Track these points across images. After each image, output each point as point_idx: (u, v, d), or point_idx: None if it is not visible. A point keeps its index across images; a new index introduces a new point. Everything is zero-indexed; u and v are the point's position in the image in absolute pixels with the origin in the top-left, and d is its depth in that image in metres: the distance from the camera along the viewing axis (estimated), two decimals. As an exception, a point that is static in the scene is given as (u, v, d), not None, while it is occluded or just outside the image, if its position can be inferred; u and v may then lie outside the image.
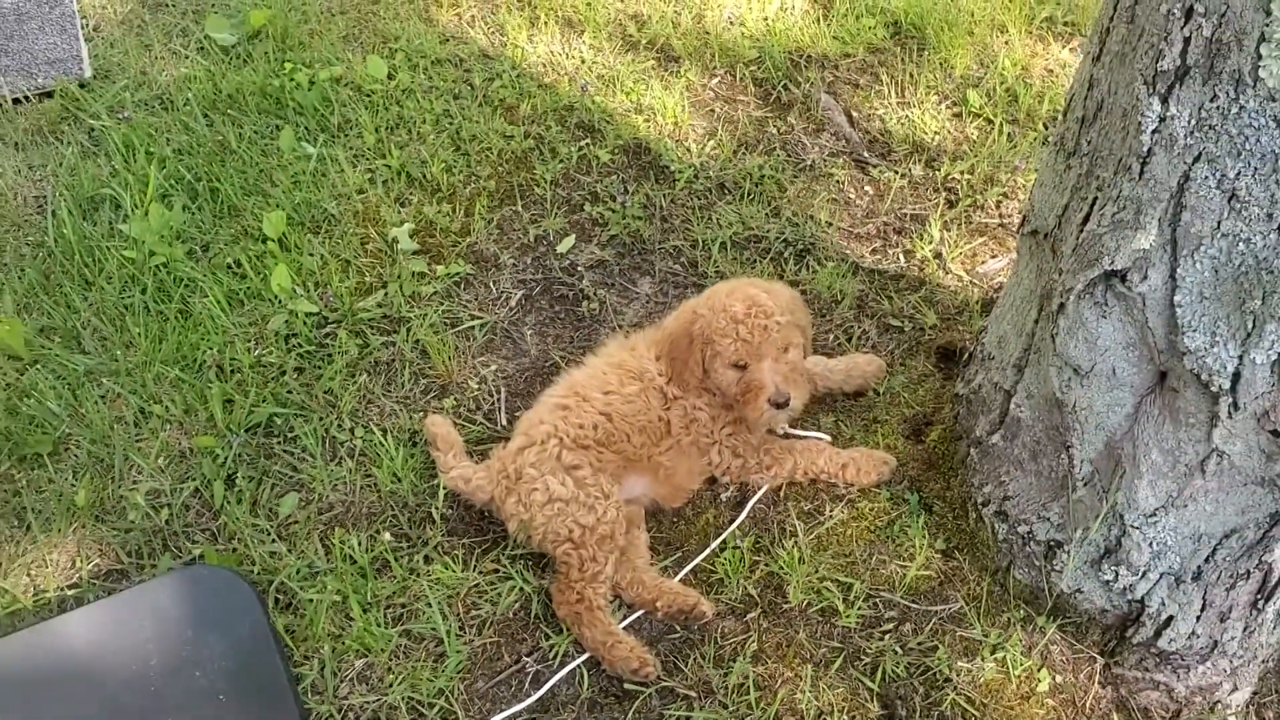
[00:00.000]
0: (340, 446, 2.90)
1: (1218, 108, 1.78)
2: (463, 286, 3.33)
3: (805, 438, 2.86)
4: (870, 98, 4.02)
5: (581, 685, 2.45)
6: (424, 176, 3.60)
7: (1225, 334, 1.93)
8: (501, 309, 3.27)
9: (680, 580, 2.61)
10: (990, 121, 3.86)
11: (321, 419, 2.95)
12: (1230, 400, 1.98)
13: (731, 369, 2.63)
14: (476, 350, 3.16)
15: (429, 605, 2.54)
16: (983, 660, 2.43)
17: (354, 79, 3.94)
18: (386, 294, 3.25)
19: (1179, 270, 1.94)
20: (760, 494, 2.77)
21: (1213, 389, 1.98)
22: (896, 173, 3.69)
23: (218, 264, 3.32)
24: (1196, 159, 1.84)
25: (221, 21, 4.16)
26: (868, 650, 2.47)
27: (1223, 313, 1.92)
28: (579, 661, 2.48)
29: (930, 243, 3.45)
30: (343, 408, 2.97)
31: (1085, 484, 2.32)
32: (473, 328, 3.21)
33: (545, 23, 4.25)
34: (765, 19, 4.29)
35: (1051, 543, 2.41)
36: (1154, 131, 1.88)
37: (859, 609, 2.52)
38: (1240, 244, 1.85)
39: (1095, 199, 2.07)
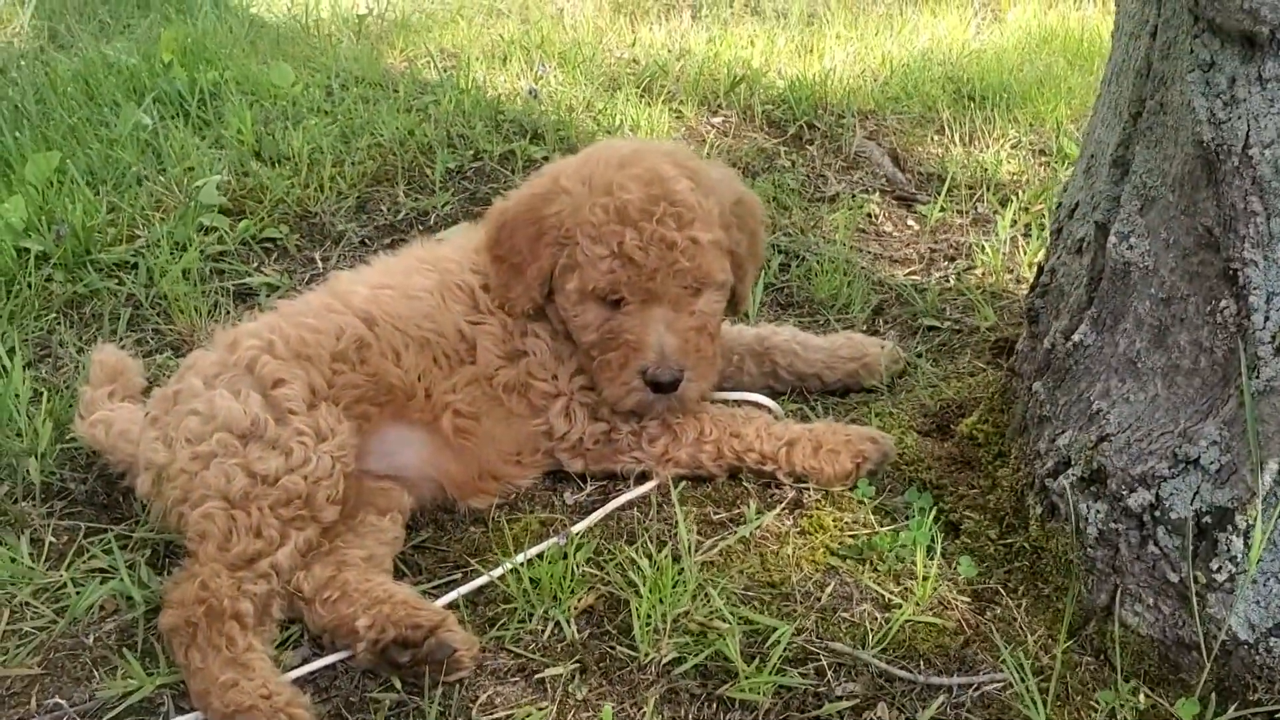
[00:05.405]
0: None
1: None
2: (273, 254, 2.24)
3: (730, 401, 1.60)
4: (924, 141, 2.96)
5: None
6: (280, 156, 2.60)
7: None
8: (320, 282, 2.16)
9: (445, 606, 1.31)
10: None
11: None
12: None
13: (596, 302, 1.46)
14: (256, 316, 2.03)
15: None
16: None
17: (251, 85, 3.07)
18: (147, 240, 2.18)
19: None
20: (642, 491, 1.48)
21: None
22: (956, 210, 2.57)
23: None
24: None
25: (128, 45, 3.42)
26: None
27: None
28: (172, 723, 1.17)
29: (999, 252, 2.27)
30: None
31: (1279, 350, 1.02)
32: (260, 290, 2.10)
33: (510, 59, 3.37)
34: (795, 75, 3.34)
35: (1205, 513, 1.07)
36: None
37: (780, 671, 1.17)
38: None
39: None
